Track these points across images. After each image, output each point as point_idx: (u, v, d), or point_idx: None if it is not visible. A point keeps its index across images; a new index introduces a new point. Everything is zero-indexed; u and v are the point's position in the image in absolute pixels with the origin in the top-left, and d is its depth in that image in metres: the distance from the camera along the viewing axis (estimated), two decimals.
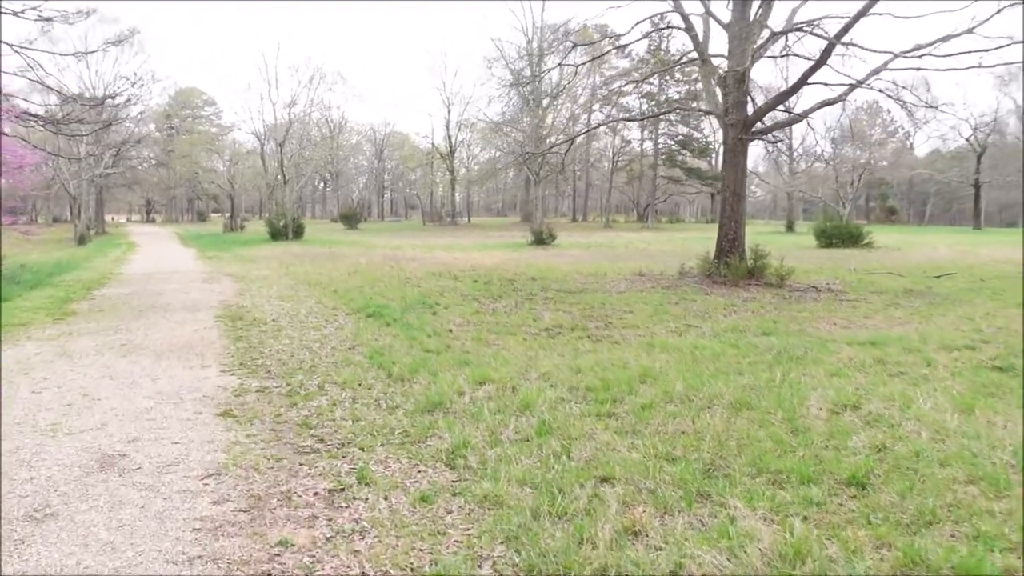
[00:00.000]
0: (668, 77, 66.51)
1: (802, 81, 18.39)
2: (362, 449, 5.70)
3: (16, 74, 19.39)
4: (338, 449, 5.71)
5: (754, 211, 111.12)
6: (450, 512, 4.56)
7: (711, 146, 77.00)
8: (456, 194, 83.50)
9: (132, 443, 5.77)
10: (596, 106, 72.71)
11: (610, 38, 24.30)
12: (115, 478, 5.01)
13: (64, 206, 70.19)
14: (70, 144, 45.37)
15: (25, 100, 23.40)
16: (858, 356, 9.30)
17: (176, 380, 8.03)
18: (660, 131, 72.82)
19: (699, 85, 67.63)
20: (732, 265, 18.65)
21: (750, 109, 19.58)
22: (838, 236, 35.67)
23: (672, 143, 74.64)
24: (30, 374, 8.31)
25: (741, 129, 19.13)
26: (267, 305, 14.70)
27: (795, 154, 62.15)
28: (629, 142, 77.45)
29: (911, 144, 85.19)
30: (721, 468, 5.29)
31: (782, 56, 19.21)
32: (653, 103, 68.07)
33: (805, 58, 18.68)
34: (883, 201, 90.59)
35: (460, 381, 7.79)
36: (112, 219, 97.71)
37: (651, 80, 64.69)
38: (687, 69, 65.39)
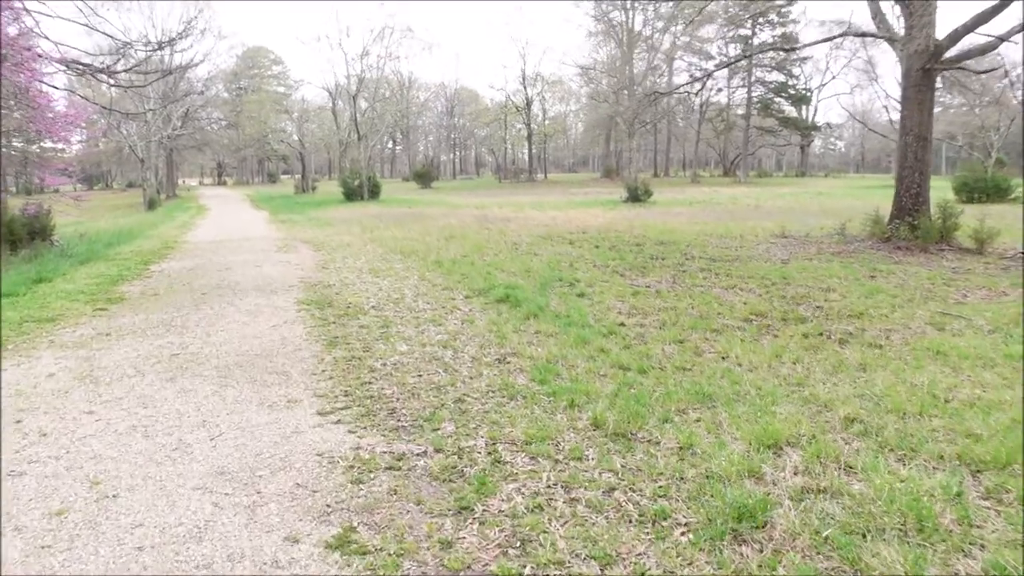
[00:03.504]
0: (762, 18, 61.44)
1: None
2: None
3: (67, 19, 16.43)
4: None
5: (835, 164, 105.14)
6: None
7: (808, 93, 71.57)
8: (531, 149, 79.63)
9: None
10: (679, 54, 68.09)
11: None
12: None
13: (139, 171, 68.35)
14: (137, 104, 43.11)
15: (88, 53, 20.75)
16: None
17: (247, 438, 4.85)
18: (752, 78, 67.64)
19: (794, 27, 62.50)
20: (921, 227, 14.90)
21: (938, 34, 15.60)
22: (982, 190, 31.10)
23: (766, 90, 69.37)
24: (24, 423, 5.23)
25: (929, 58, 15.20)
26: (359, 283, 11.59)
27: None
28: (720, 90, 72.34)
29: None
30: None
31: None
32: (746, 47, 63.05)
33: None
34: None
35: (731, 443, 4.48)
36: (183, 182, 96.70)
37: (745, 22, 59.72)
38: (784, 10, 60.43)
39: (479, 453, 4.46)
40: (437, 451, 4.51)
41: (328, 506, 3.79)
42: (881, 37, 16.70)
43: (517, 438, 4.67)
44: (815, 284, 10.81)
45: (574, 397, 5.40)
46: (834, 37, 16.92)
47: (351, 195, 40.77)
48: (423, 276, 12.17)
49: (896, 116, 56.41)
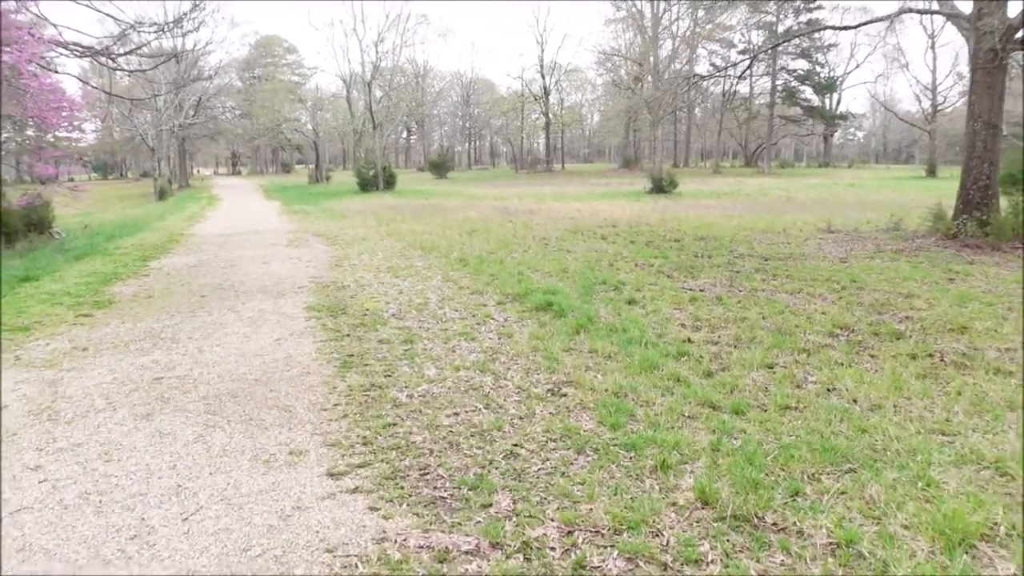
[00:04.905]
0: (787, 3, 59.67)
1: None
2: None
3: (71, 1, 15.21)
4: None
5: (855, 154, 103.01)
6: None
7: (834, 81, 69.69)
8: (549, 139, 78.04)
9: None
10: (699, 42, 66.33)
11: None
12: None
13: (157, 161, 66.84)
14: (146, 91, 41.99)
15: (95, 38, 19.48)
16: None
17: (233, 518, 3.59)
18: (776, 66, 65.83)
19: (819, 13, 60.77)
20: (993, 223, 13.55)
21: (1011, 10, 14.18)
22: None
23: (791, 78, 67.54)
24: None
25: (1000, 38, 13.76)
26: (376, 284, 10.36)
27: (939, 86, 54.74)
28: (743, 78, 70.44)
29: None
30: None
31: None
32: (771, 34, 61.35)
33: None
34: None
35: (904, 536, 3.22)
36: (198, 172, 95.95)
37: (769, 8, 58.01)
38: None
39: (553, 550, 3.19)
40: (494, 546, 3.24)
41: None
42: (944, 15, 15.28)
43: (601, 522, 3.40)
44: (891, 289, 9.51)
45: (663, 453, 4.13)
46: (893, 15, 15.50)
47: (366, 185, 39.56)
48: (447, 276, 10.92)
49: (927, 104, 54.75)
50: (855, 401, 5.10)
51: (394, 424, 4.78)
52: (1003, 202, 14.43)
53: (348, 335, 7.33)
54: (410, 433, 4.62)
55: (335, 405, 5.19)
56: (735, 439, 4.38)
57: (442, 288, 9.97)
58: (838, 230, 16.78)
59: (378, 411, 5.04)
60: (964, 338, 6.99)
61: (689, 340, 6.88)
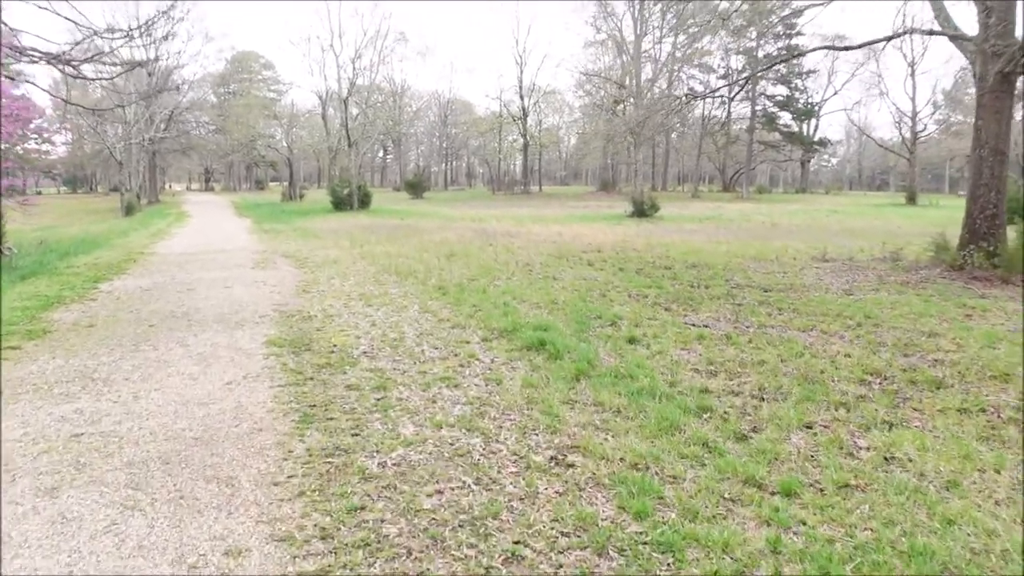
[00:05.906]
0: (767, 31, 59.55)
1: None
2: None
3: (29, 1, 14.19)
4: None
5: (829, 180, 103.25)
6: None
7: (813, 107, 69.69)
8: (527, 161, 77.24)
9: None
10: (679, 67, 66.10)
11: None
12: None
13: (125, 175, 65.08)
14: (115, 102, 40.76)
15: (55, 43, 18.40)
16: None
17: None
18: (756, 92, 65.71)
19: (800, 39, 60.77)
20: (1002, 254, 12.87)
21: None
22: (1013, 210, 28.93)
23: (771, 104, 67.44)
24: None
25: (1008, 60, 13.13)
26: (347, 315, 9.38)
27: (919, 112, 54.64)
28: (723, 103, 70.34)
29: None
30: None
31: None
32: (750, 60, 61.22)
33: None
34: None
35: None
36: (169, 187, 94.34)
37: (750, 34, 57.81)
38: (792, 20, 58.60)
39: None
40: None
41: None
42: (948, 35, 14.62)
43: None
44: (911, 327, 8.69)
45: (711, 559, 3.18)
46: (893, 36, 14.86)
47: (340, 204, 38.48)
48: (425, 306, 9.95)
49: (906, 131, 54.66)
50: (923, 476, 4.20)
51: (362, 507, 3.80)
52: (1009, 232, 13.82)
53: (312, 378, 6.34)
54: (382, 521, 3.64)
55: (289, 477, 4.20)
56: (796, 535, 3.45)
57: (419, 320, 9.00)
58: (833, 259, 16.06)
59: (342, 486, 4.06)
60: (1011, 388, 6.17)
61: (707, 390, 5.96)
